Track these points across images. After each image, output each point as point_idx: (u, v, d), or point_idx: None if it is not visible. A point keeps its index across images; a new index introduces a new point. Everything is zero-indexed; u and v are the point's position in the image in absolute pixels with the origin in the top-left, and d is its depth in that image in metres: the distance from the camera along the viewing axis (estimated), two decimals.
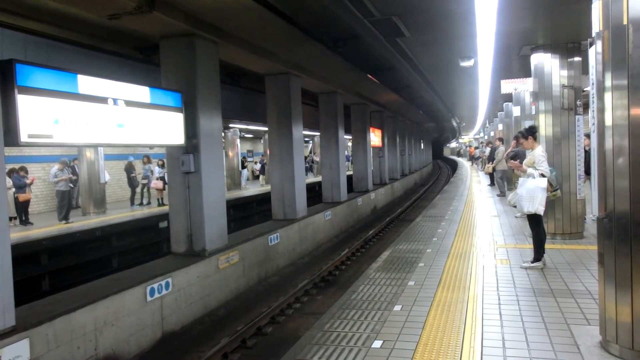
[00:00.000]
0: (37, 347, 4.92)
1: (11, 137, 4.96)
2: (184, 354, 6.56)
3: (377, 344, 4.42)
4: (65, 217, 12.68)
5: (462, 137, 64.71)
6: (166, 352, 6.60)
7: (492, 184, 18.82)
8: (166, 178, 12.73)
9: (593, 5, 3.88)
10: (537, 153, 6.70)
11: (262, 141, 31.00)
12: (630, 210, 3.66)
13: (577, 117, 8.45)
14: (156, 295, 6.70)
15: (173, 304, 7.05)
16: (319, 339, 4.63)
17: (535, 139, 6.93)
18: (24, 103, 5.00)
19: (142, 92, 6.77)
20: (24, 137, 5.01)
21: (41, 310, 5.44)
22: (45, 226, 12.15)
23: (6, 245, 4.78)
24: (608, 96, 3.77)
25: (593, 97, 3.94)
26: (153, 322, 6.66)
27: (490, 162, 17.08)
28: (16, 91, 4.92)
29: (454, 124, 40.69)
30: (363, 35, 9.53)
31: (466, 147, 65.56)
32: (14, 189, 12.27)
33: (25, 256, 9.56)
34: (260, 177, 26.54)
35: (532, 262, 6.80)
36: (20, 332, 4.78)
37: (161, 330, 6.80)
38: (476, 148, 43.72)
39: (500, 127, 22.06)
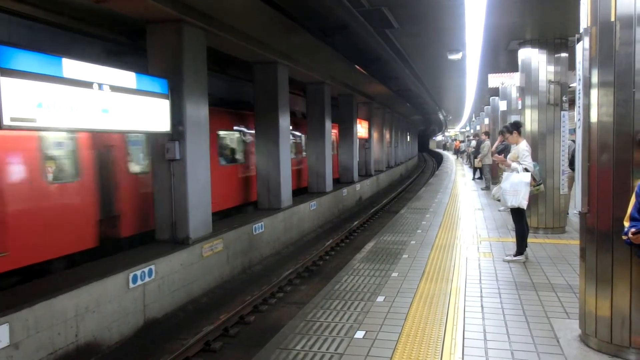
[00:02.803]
0: (17, 333, 4.87)
1: None
2: (167, 341, 6.53)
3: (359, 334, 4.44)
4: None
5: (449, 130, 65.00)
6: (148, 339, 6.57)
7: (480, 177, 18.82)
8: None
9: (581, 2, 3.89)
10: (521, 148, 6.76)
11: None
12: (612, 205, 3.71)
13: (562, 112, 8.52)
14: (139, 282, 6.66)
15: (156, 291, 7.01)
16: (302, 328, 4.64)
17: (519, 133, 6.99)
18: (6, 85, 4.92)
19: (128, 78, 6.69)
20: (6, 121, 4.93)
21: (22, 295, 5.37)
22: None
23: None
24: (594, 92, 3.80)
25: (579, 93, 3.96)
26: (135, 309, 6.62)
27: (477, 156, 17.17)
28: None
29: (441, 117, 40.84)
30: (352, 26, 9.49)
31: (452, 140, 65.81)
32: None
33: None
34: None
35: (515, 256, 6.87)
36: (0, 317, 4.73)
37: (143, 317, 6.77)
38: (462, 142, 43.93)
39: (487, 121, 22.16)
